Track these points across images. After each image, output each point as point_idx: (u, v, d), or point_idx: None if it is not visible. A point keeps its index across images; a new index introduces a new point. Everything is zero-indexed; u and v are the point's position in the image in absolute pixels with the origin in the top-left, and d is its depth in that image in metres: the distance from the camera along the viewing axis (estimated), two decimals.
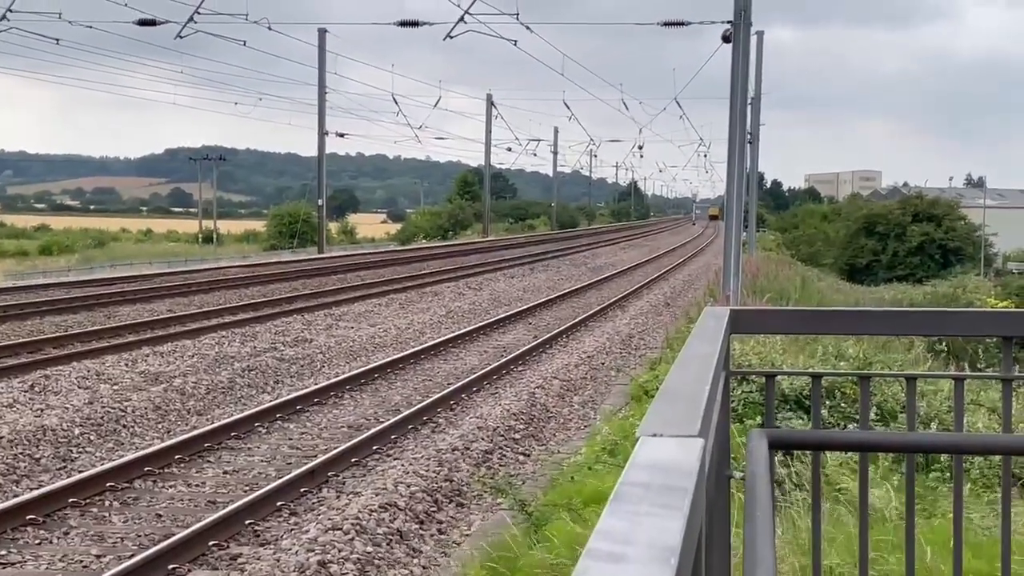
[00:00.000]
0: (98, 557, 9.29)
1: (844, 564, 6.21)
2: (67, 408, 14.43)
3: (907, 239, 59.83)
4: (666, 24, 30.94)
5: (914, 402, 3.81)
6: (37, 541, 9.69)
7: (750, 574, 2.29)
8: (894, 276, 57.35)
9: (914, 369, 12.76)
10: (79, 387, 15.97)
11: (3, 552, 9.35)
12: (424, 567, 9.65)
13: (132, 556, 9.01)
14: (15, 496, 10.84)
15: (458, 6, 34.15)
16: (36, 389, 15.63)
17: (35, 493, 10.70)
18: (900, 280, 55.55)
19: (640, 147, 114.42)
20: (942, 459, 9.99)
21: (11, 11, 32.35)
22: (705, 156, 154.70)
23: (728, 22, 23.94)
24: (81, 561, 9.18)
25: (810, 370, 3.74)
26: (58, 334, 21.18)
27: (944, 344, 22.24)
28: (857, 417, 10.18)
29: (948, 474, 9.82)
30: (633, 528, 1.09)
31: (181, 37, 34.20)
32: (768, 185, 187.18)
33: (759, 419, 9.81)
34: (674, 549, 1.02)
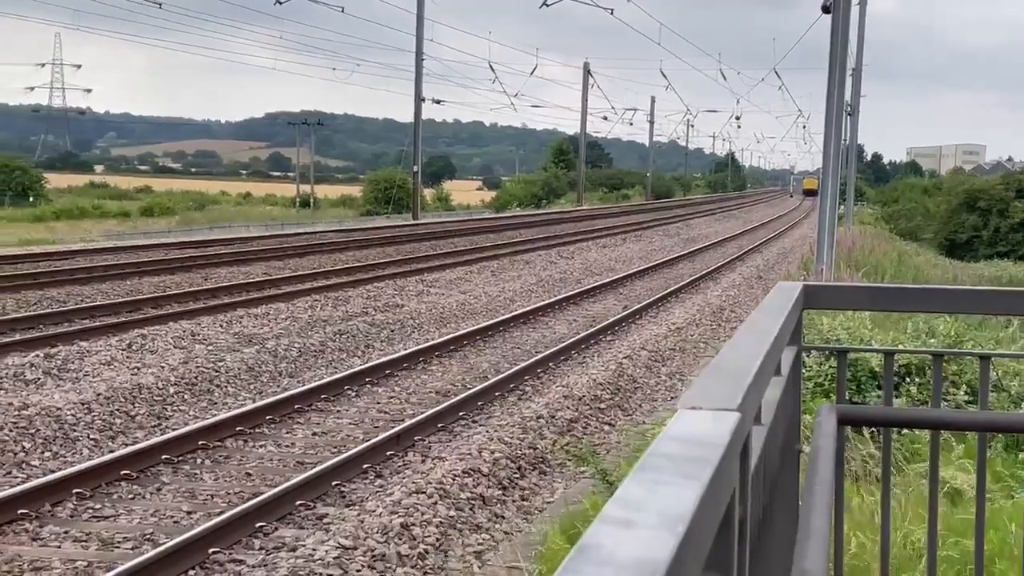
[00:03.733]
0: (188, 513, 9.48)
1: (919, 541, 6.18)
2: (163, 367, 14.71)
3: (1010, 215, 58.41)
4: None
5: (987, 381, 3.78)
6: (130, 496, 9.92)
7: (802, 546, 2.32)
8: (995, 253, 56.04)
9: (994, 349, 12.53)
10: (175, 347, 16.27)
11: (98, 505, 9.58)
12: (506, 532, 9.72)
13: (221, 513, 9.20)
14: (110, 451, 11.11)
15: None
16: (133, 348, 15.95)
17: (130, 449, 10.95)
18: (1001, 257, 54.31)
19: (738, 117, 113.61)
20: None
21: None
22: (804, 127, 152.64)
23: None
24: (172, 517, 9.37)
25: (883, 347, 3.73)
26: (156, 294, 21.56)
27: None
28: (947, 395, 10.09)
29: None
30: (649, 497, 1.13)
31: (280, 3, 34.52)
32: (868, 158, 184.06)
33: (848, 395, 9.74)
34: (683, 518, 1.06)
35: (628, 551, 0.96)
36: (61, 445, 11.39)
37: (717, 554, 1.40)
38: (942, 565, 4.33)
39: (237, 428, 12.09)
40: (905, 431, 8.35)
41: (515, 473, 11.16)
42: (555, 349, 17.45)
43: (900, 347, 9.63)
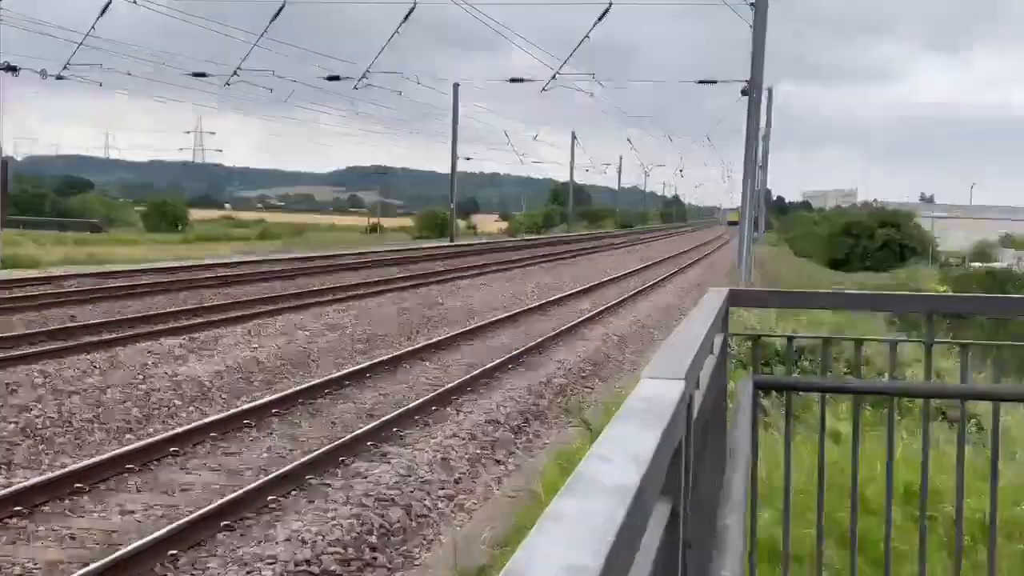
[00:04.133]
0: (291, 450, 9.50)
1: (813, 472, 6.15)
2: (273, 347, 14.75)
3: (875, 239, 58.42)
4: (701, 82, 30.41)
5: (860, 358, 3.78)
6: (251, 439, 9.93)
7: (729, 475, 2.31)
8: (865, 266, 55.85)
9: (863, 333, 12.46)
10: (282, 333, 16.30)
11: (227, 445, 9.60)
12: (516, 464, 9.73)
13: (314, 450, 9.22)
14: (236, 406, 11.14)
15: (550, 68, 33.93)
16: (252, 333, 15.98)
17: (249, 405, 10.97)
18: (868, 269, 54.08)
19: (681, 169, 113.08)
20: (917, 403, 9.78)
21: (240, 69, 32.84)
22: (729, 176, 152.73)
23: (745, 81, 23.53)
24: (279, 453, 9.39)
25: (786, 333, 3.73)
26: (268, 295, 21.62)
27: (898, 315, 21.67)
28: (832, 369, 10.02)
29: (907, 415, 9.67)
30: (623, 441, 1.14)
31: (356, 88, 34.45)
32: (774, 199, 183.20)
33: (761, 368, 9.70)
34: (646, 456, 1.06)
35: (609, 479, 0.97)
36: (201, 401, 11.44)
37: (669, 481, 1.40)
38: (829, 488, 4.33)
39: (326, 390, 12.11)
40: (802, 393, 8.32)
41: (523, 422, 11.17)
42: (551, 334, 17.40)
43: (798, 334, 9.62)
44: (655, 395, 1.42)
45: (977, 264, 53.83)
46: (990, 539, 3.69)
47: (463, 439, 9.87)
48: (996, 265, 51.11)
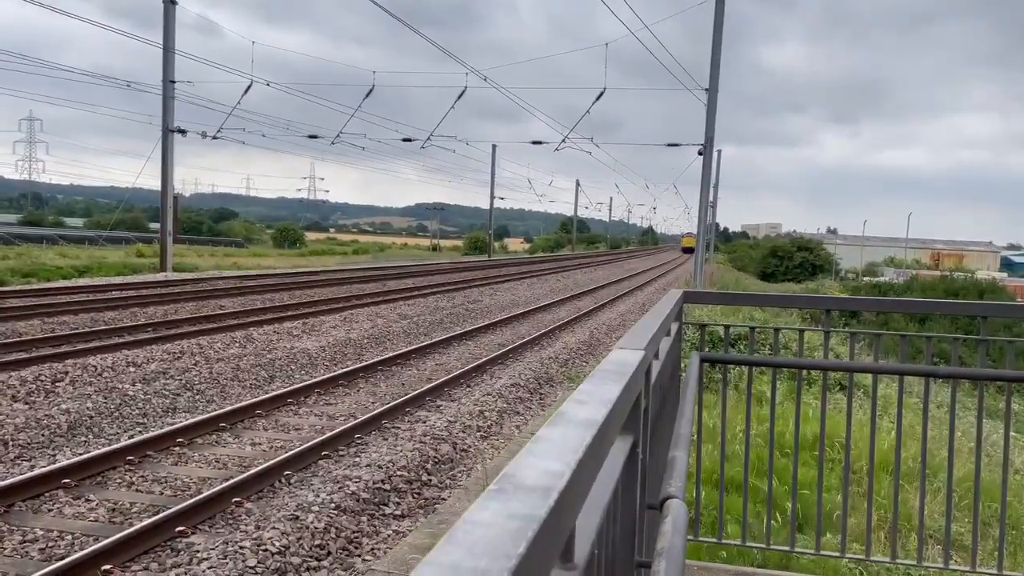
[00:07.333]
0: (372, 403, 9.51)
1: (742, 423, 6.09)
2: (361, 330, 14.77)
3: (794, 259, 57.82)
4: (669, 144, 30.18)
5: (778, 341, 3.73)
6: (344, 394, 9.94)
7: (679, 422, 2.29)
8: (786, 279, 55.26)
9: (781, 324, 12.35)
10: (367, 320, 16.33)
11: (327, 398, 9.58)
12: (532, 416, 9.69)
13: (389, 403, 9.22)
14: (334, 372, 11.17)
15: (561, 133, 33.77)
16: (347, 320, 16.02)
17: (344, 370, 10.95)
18: (789, 281, 53.49)
19: (654, 208, 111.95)
20: (818, 375, 9.64)
21: (342, 132, 33.02)
22: (688, 212, 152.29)
23: (701, 144, 23.31)
24: (364, 405, 9.39)
25: (725, 323, 3.69)
26: (359, 293, 21.68)
27: (808, 312, 21.33)
28: (758, 349, 9.87)
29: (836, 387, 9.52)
30: (595, 390, 1.13)
31: (423, 147, 34.46)
32: (721, 229, 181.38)
33: (707, 349, 9.60)
34: (611, 400, 1.06)
35: (582, 416, 0.96)
36: (310, 368, 11.48)
37: (629, 422, 1.40)
38: (753, 436, 4.29)
39: (397, 360, 12.11)
40: (735, 367, 8.23)
41: (537, 386, 11.12)
42: (558, 324, 17.35)
43: (734, 323, 9.56)
44: (622, 360, 1.42)
45: (867, 278, 53.11)
46: (869, 472, 3.63)
47: (494, 396, 9.85)
48: (881, 279, 50.39)
